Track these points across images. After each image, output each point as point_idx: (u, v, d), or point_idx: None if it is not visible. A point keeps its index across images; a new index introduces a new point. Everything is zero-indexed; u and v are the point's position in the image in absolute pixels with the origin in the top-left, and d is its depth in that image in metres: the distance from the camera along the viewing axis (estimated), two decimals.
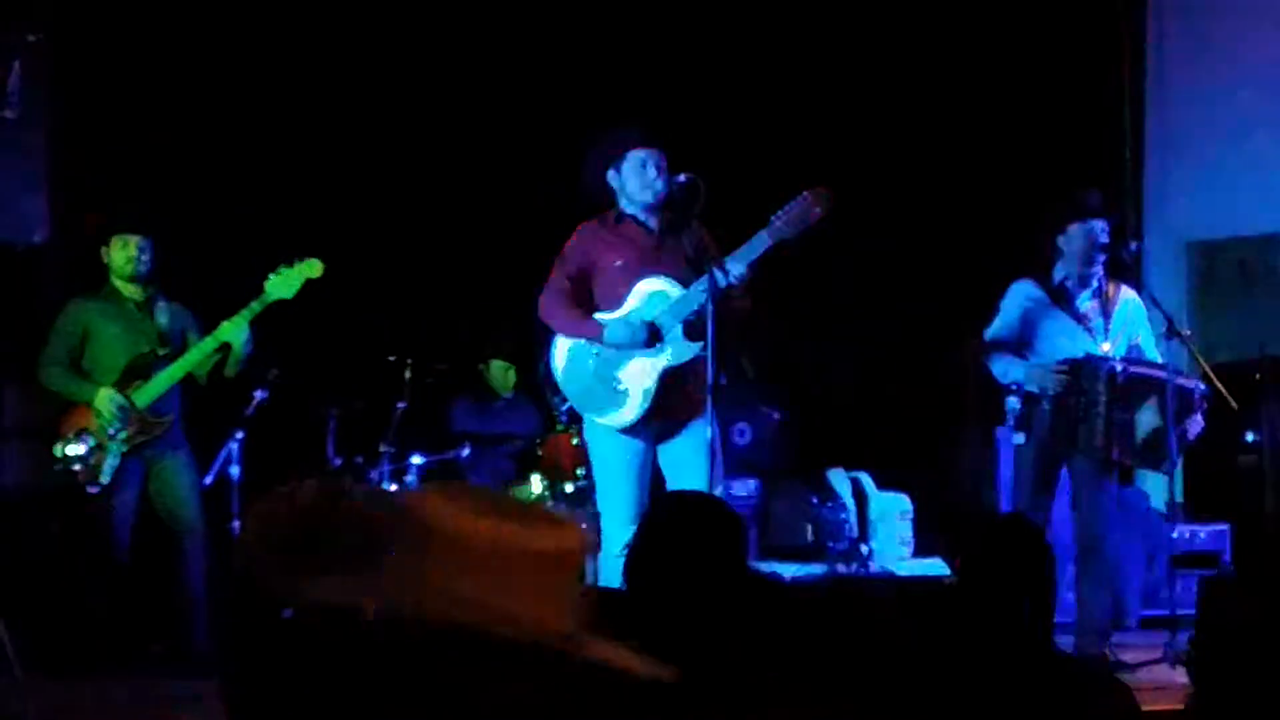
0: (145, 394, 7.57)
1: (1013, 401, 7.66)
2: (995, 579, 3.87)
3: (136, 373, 7.60)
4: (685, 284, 6.51)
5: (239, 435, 8.04)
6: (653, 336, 6.54)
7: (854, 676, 3.42)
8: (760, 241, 6.39)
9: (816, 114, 10.30)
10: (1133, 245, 7.89)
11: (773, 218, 6.40)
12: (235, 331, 7.55)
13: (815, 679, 3.37)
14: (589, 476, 7.44)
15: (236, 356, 7.63)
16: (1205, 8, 10.75)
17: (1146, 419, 7.30)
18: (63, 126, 8.82)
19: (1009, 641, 3.79)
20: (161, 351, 7.68)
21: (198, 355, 7.61)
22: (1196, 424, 7.33)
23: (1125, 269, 7.70)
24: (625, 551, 6.29)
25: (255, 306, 7.56)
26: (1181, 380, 7.34)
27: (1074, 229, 7.51)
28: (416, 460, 8.77)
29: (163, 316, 7.77)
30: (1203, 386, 7.37)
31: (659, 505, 3.84)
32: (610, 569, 6.54)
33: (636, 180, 6.66)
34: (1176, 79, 10.84)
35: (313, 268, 7.65)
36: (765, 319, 6.82)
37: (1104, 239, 7.48)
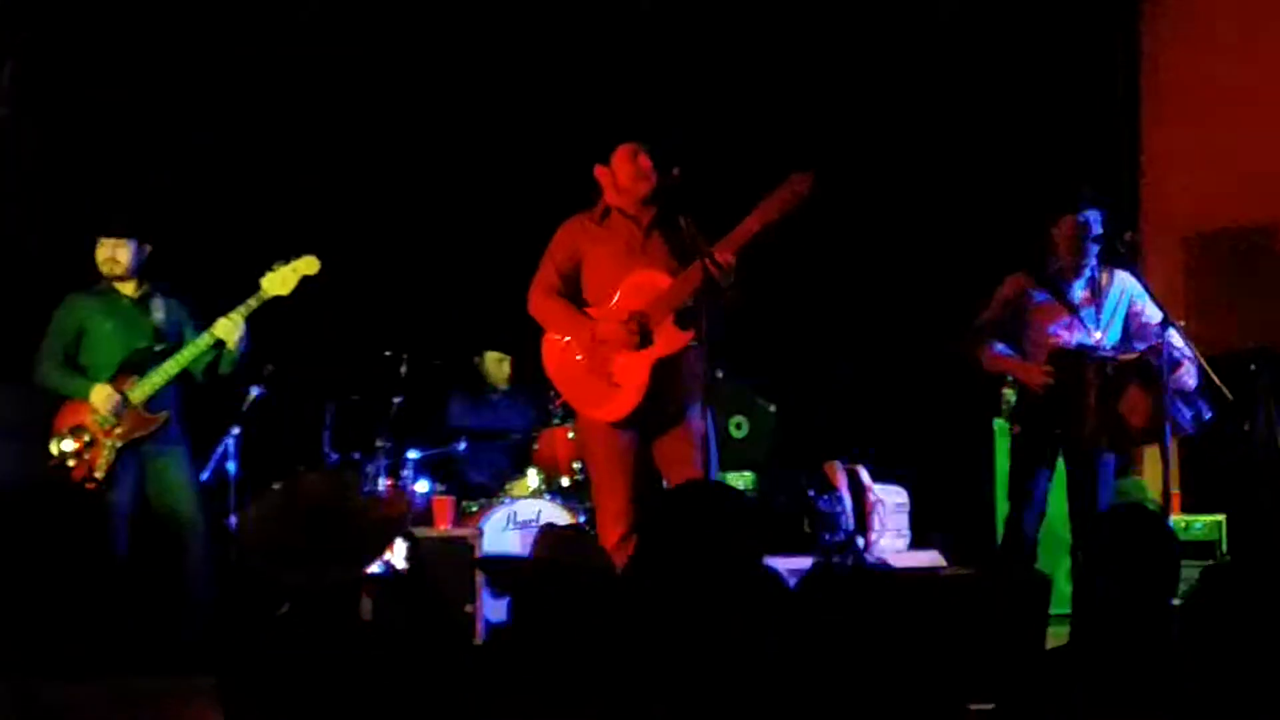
0: (141, 390, 7.57)
1: (1007, 392, 7.67)
2: (1124, 570, 3.93)
3: (132, 368, 7.59)
4: (674, 275, 6.52)
5: (235, 431, 8.05)
6: (644, 338, 6.55)
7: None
8: (748, 226, 6.40)
9: (815, 107, 10.30)
10: (1127, 235, 7.89)
11: (759, 201, 6.41)
12: (231, 328, 7.55)
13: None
14: (585, 470, 7.46)
15: (231, 355, 7.63)
16: None
17: (1135, 401, 7.31)
18: (56, 124, 8.83)
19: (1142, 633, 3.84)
20: (158, 347, 7.67)
21: (194, 351, 7.60)
22: (1189, 376, 7.32)
23: (1120, 259, 7.72)
24: (625, 540, 6.36)
25: (251, 303, 7.57)
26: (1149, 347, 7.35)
27: (1066, 219, 7.53)
28: (413, 455, 8.77)
29: (159, 312, 7.76)
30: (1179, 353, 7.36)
31: (677, 494, 3.85)
32: None
33: (628, 173, 6.67)
34: (1172, 68, 10.84)
35: (309, 265, 7.65)
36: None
37: (1097, 229, 7.50)
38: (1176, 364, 7.28)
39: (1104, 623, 3.89)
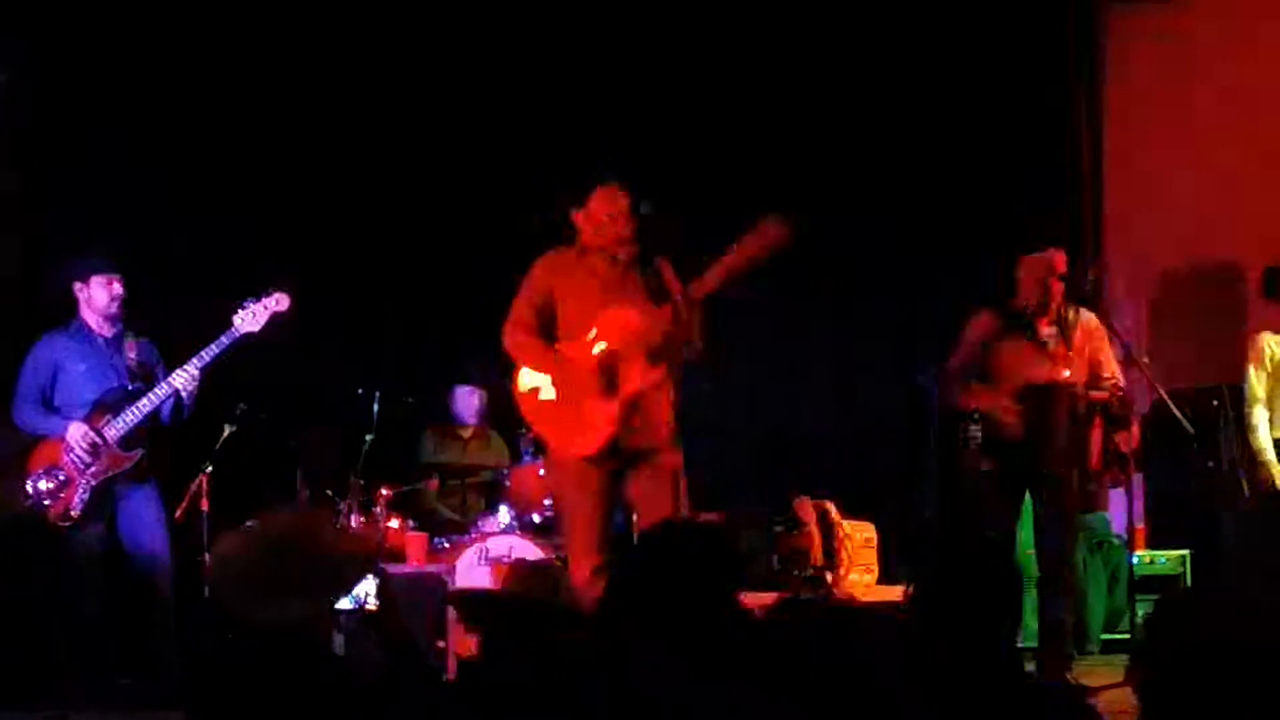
0: (115, 429, 7.61)
1: (975, 429, 7.72)
2: (960, 602, 3.87)
3: (106, 408, 7.64)
4: (648, 314, 6.57)
5: (208, 469, 8.08)
6: (610, 381, 6.60)
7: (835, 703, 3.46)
8: (722, 268, 6.46)
9: (780, 146, 10.36)
10: (1090, 273, 7.99)
11: (733, 245, 6.47)
12: (187, 380, 7.60)
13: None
14: (556, 507, 7.49)
15: (184, 405, 7.69)
16: (1165, 38, 10.87)
17: (1102, 440, 7.38)
18: (35, 164, 8.87)
19: (977, 666, 3.81)
20: (131, 387, 7.72)
21: (161, 394, 7.65)
22: (1131, 437, 7.42)
23: (1084, 297, 7.80)
24: (596, 577, 6.39)
25: (219, 345, 7.60)
26: (1111, 391, 7.44)
27: (1031, 258, 7.60)
28: (384, 492, 8.79)
29: (132, 352, 7.81)
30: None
31: (660, 531, 3.89)
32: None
33: (605, 218, 6.70)
34: (1136, 108, 10.95)
35: (279, 302, 7.70)
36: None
37: (1061, 268, 7.57)
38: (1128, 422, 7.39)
39: (943, 655, 3.86)
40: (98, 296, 7.76)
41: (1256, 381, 8.23)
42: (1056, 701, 3.81)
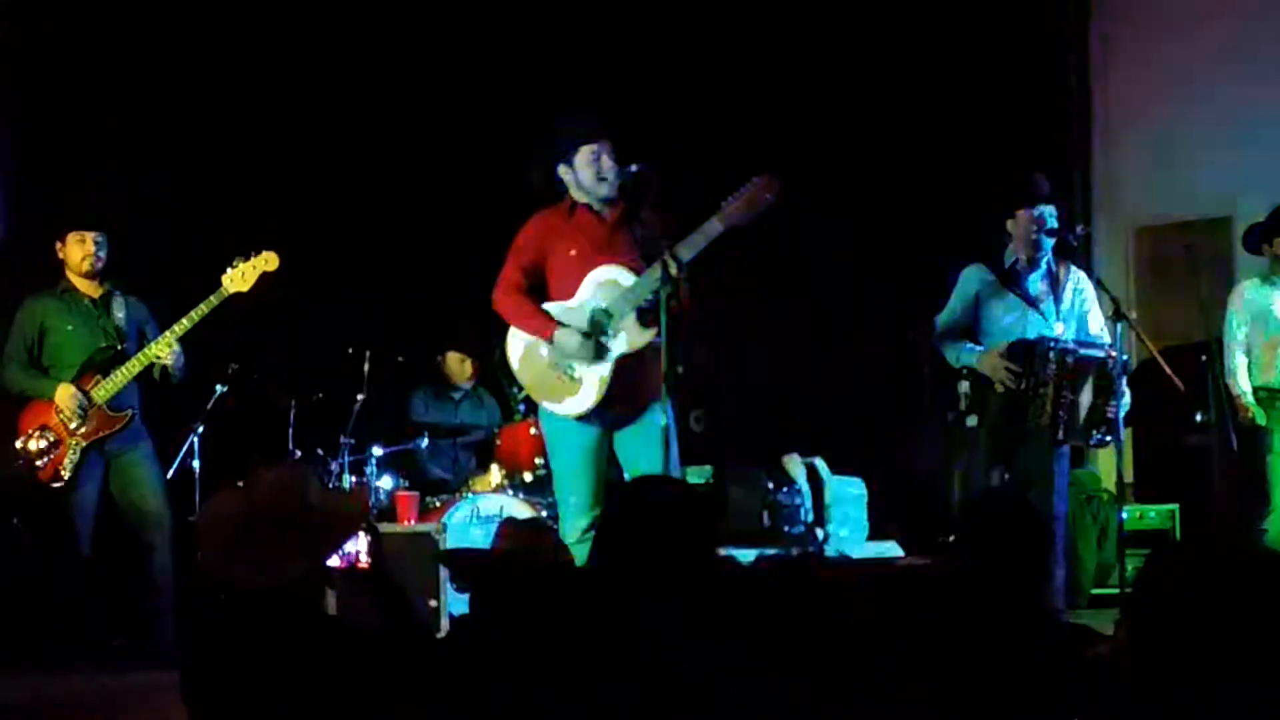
0: (104, 389, 7.62)
1: (964, 385, 7.74)
2: (1003, 556, 3.94)
3: (95, 368, 7.65)
4: (638, 272, 6.56)
5: (199, 428, 8.09)
6: (600, 351, 6.60)
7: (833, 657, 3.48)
8: (711, 227, 6.45)
9: (769, 101, 10.37)
10: (1079, 229, 8.00)
11: (723, 203, 6.46)
12: (164, 349, 7.60)
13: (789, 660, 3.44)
14: (547, 466, 7.49)
15: (171, 373, 7.68)
16: None
17: (1085, 399, 7.41)
18: (18, 123, 8.85)
19: (1020, 616, 3.86)
20: (120, 346, 7.73)
21: (149, 356, 7.65)
22: (1116, 408, 7.45)
23: (1072, 252, 7.81)
24: (587, 535, 6.41)
25: (200, 310, 7.59)
26: (1106, 353, 7.47)
27: (1021, 213, 7.60)
28: (376, 451, 8.82)
29: (120, 311, 7.82)
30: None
31: (630, 488, 3.91)
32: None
33: (590, 173, 6.69)
34: (1123, 64, 10.96)
35: (269, 261, 7.70)
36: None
37: (1051, 223, 7.58)
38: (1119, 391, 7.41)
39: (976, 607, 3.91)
40: (71, 254, 7.77)
41: (1236, 327, 8.37)
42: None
